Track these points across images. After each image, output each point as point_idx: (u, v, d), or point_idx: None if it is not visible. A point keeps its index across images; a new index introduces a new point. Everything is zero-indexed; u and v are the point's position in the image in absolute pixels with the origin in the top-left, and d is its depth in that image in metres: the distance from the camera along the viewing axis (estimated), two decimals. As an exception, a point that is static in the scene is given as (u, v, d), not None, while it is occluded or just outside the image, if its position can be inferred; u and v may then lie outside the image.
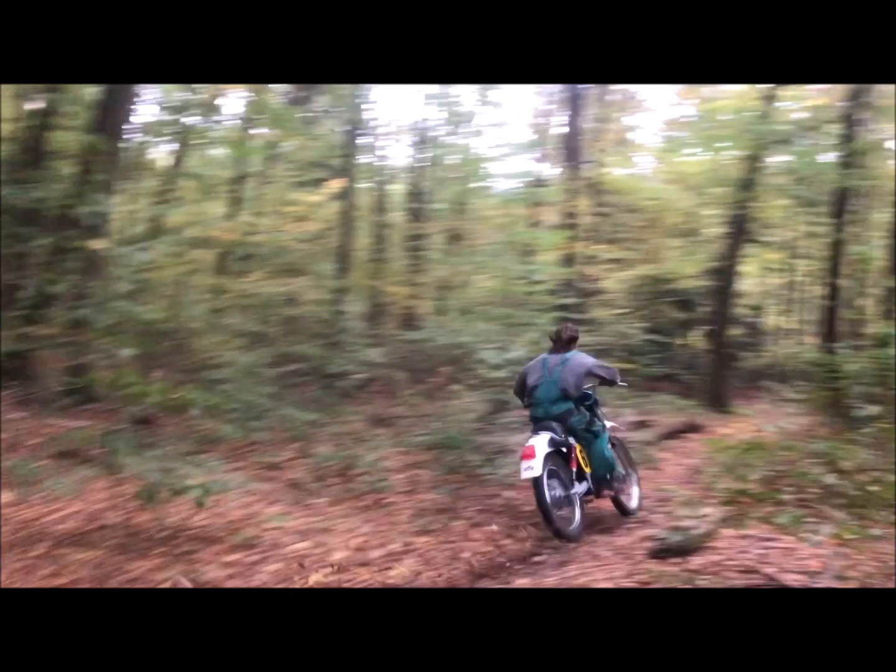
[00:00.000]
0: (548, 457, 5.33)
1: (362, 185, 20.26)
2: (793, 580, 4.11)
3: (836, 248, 13.92)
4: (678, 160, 22.43)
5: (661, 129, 26.69)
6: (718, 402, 16.95)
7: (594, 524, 5.79)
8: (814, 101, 16.91)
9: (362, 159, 19.71)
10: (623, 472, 6.19)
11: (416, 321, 16.34)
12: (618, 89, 23.30)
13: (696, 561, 4.38)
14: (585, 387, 5.95)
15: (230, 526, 5.18)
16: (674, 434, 11.10)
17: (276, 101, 14.87)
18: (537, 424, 5.73)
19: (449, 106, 21.37)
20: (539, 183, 19.84)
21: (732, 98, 18.74)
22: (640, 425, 10.83)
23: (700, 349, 24.06)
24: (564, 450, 5.66)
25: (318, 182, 15.83)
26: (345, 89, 14.15)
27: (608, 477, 5.84)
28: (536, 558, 4.98)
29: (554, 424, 5.63)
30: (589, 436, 5.88)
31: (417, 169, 19.80)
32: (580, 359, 5.91)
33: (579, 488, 5.68)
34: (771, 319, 29.19)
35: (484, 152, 22.51)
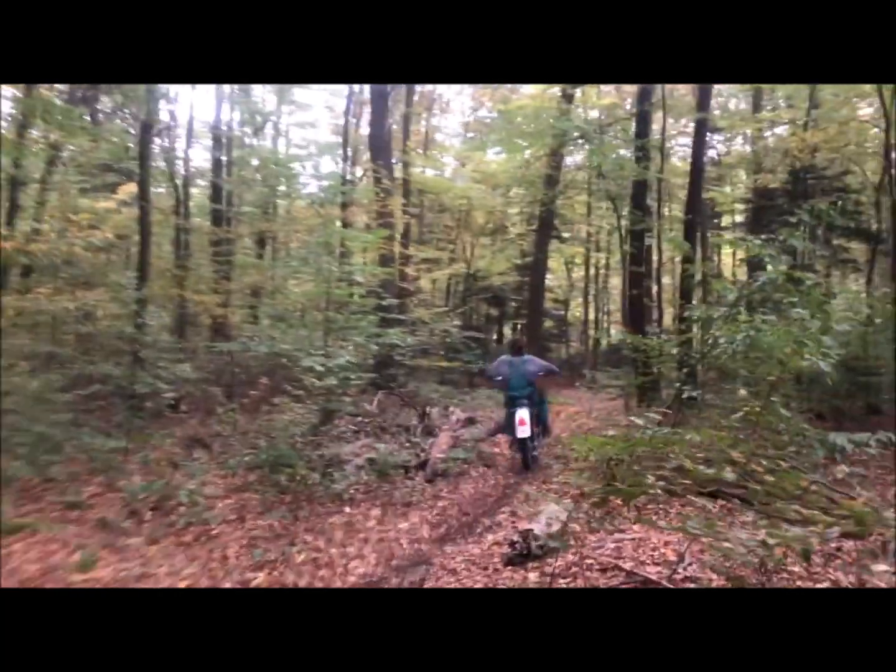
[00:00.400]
0: (528, 411, 8.00)
1: (160, 189, 18.92)
2: (653, 573, 4.04)
3: (636, 238, 14.64)
4: (484, 160, 22.89)
5: (466, 130, 27.19)
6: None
7: (444, 538, 5.49)
8: (607, 100, 17.80)
9: (159, 162, 18.42)
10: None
11: (228, 331, 15.44)
12: (422, 90, 23.42)
13: (555, 563, 4.21)
14: (539, 375, 8.48)
15: (24, 584, 4.36)
16: (502, 428, 11.12)
17: (56, 100, 13.37)
18: (515, 402, 8.14)
19: (250, 107, 20.52)
20: (350, 184, 19.46)
21: (530, 98, 19.35)
22: (470, 422, 10.75)
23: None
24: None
25: (110, 187, 14.52)
26: (137, 87, 12.97)
27: (547, 429, 9.06)
28: (393, 579, 4.61)
29: (526, 401, 8.09)
30: (541, 405, 8.63)
31: (220, 171, 18.77)
32: (533, 359, 8.68)
33: (537, 440, 8.45)
34: (577, 311, 30.71)
35: (291, 153, 21.87)
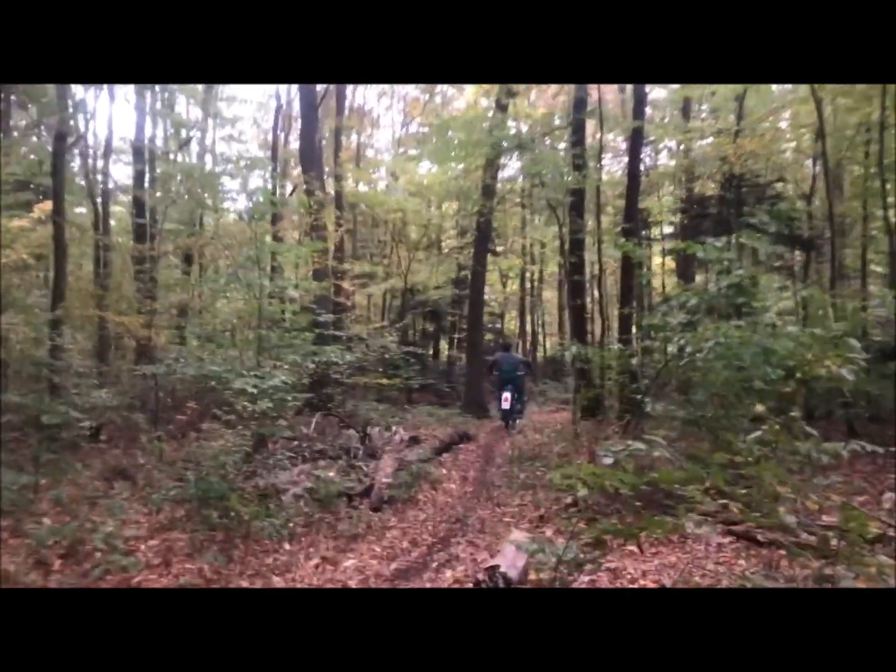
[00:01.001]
0: (513, 392, 12.40)
1: (81, 208, 17.96)
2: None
3: (576, 248, 14.45)
4: (418, 173, 22.54)
5: (397, 145, 26.82)
6: (477, 407, 17.01)
7: (396, 575, 4.98)
8: (540, 110, 17.65)
9: (79, 179, 17.48)
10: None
11: (153, 353, 14.58)
12: (351, 105, 22.95)
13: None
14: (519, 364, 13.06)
15: None
16: (448, 447, 10.66)
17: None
18: (504, 385, 12.34)
19: (174, 120, 19.71)
20: (281, 198, 18.83)
21: (463, 111, 19.10)
22: (414, 441, 10.25)
23: (452, 357, 24.43)
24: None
25: (25, 206, 13.58)
26: (50, 97, 12.14)
27: (523, 407, 13.58)
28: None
29: (510, 385, 12.26)
30: (520, 393, 12.94)
31: (143, 186, 17.89)
32: (518, 355, 14.41)
33: (516, 413, 12.76)
34: (511, 324, 30.56)
35: (218, 168, 21.06)
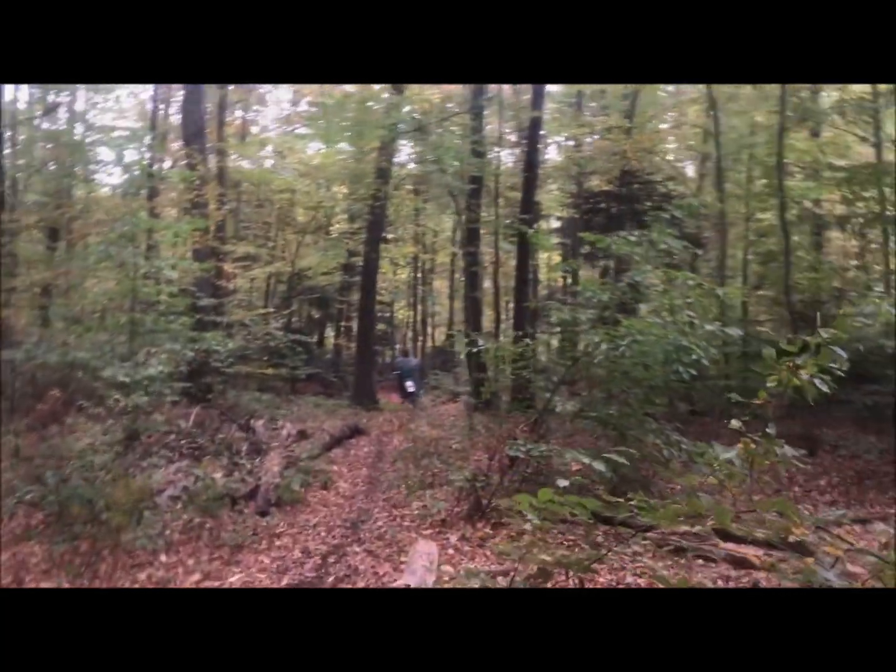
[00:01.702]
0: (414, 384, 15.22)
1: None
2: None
3: (473, 238, 14.23)
4: (307, 153, 21.74)
5: (285, 123, 25.80)
6: (366, 398, 16.59)
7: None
8: (436, 95, 17.30)
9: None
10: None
11: (11, 336, 13.29)
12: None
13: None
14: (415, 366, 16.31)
15: None
16: (338, 441, 10.16)
17: None
18: (405, 378, 15.21)
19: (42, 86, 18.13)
20: (158, 173, 17.65)
21: (356, 90, 18.45)
22: (302, 435, 9.70)
23: (339, 346, 23.81)
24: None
25: None
26: None
27: (422, 388, 16.69)
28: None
29: (410, 377, 15.18)
30: (418, 381, 15.71)
31: (1, 152, 16.31)
32: (413, 360, 18.07)
33: (417, 395, 15.53)
34: (400, 313, 30.19)
35: (91, 137, 19.55)
